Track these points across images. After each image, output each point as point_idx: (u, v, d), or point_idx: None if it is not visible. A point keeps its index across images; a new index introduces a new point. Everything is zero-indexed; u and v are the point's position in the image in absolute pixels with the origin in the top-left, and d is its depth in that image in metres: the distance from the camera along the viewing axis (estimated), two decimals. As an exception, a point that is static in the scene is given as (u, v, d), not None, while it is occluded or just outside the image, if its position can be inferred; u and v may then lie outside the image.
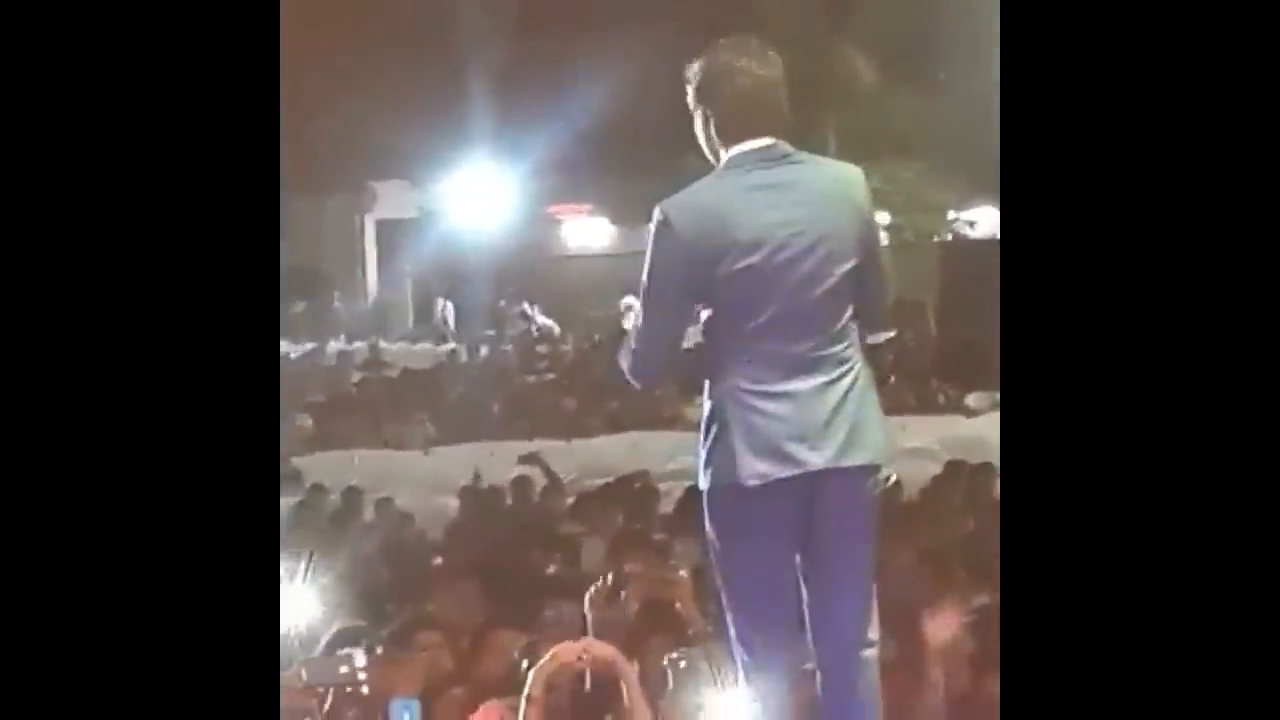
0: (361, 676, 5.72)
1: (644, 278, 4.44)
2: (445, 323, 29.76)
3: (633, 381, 4.64)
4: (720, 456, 4.36)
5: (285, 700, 4.47)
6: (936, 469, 12.02)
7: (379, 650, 6.27)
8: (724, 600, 4.49)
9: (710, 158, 4.55)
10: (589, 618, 6.00)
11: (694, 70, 4.52)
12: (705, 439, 4.41)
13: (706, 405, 4.44)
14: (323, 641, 6.54)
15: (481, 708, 5.47)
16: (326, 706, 5.73)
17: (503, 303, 29.22)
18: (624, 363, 4.59)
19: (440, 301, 30.49)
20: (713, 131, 4.50)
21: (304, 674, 5.00)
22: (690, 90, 4.53)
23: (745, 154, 4.46)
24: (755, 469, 4.32)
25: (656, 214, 4.40)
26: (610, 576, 6.01)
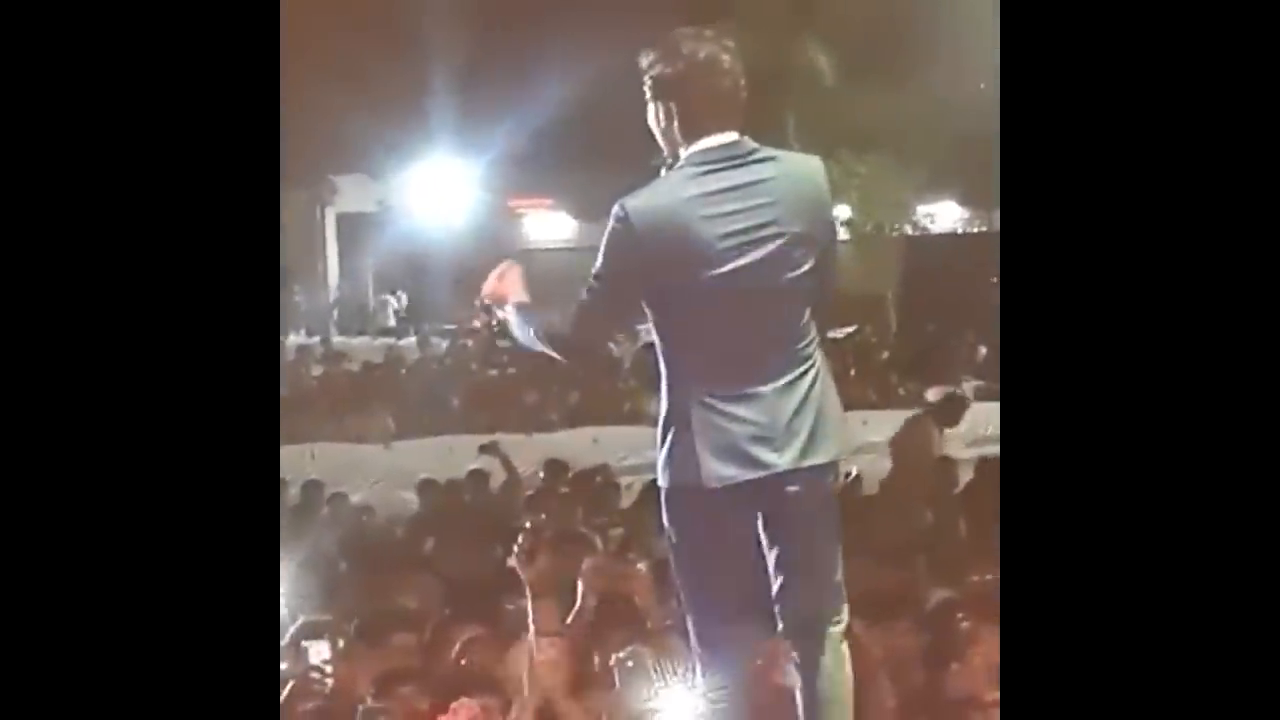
0: (328, 669, 5.71)
1: (597, 269, 4.34)
2: (402, 315, 29.71)
3: (552, 353, 4.55)
4: (681, 458, 4.31)
5: None
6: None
7: (340, 644, 6.27)
8: (683, 597, 4.46)
9: (666, 151, 4.43)
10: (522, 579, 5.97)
11: (653, 59, 4.37)
12: (664, 439, 4.36)
13: (664, 405, 4.38)
14: (288, 633, 6.53)
15: (453, 706, 5.43)
16: (282, 697, 5.72)
17: (478, 303, 29.07)
18: (546, 333, 4.51)
19: (398, 294, 30.45)
20: (674, 125, 4.37)
21: None
22: (649, 81, 4.39)
23: (709, 150, 4.33)
24: (717, 472, 4.28)
25: (617, 210, 4.28)
26: (525, 533, 5.96)
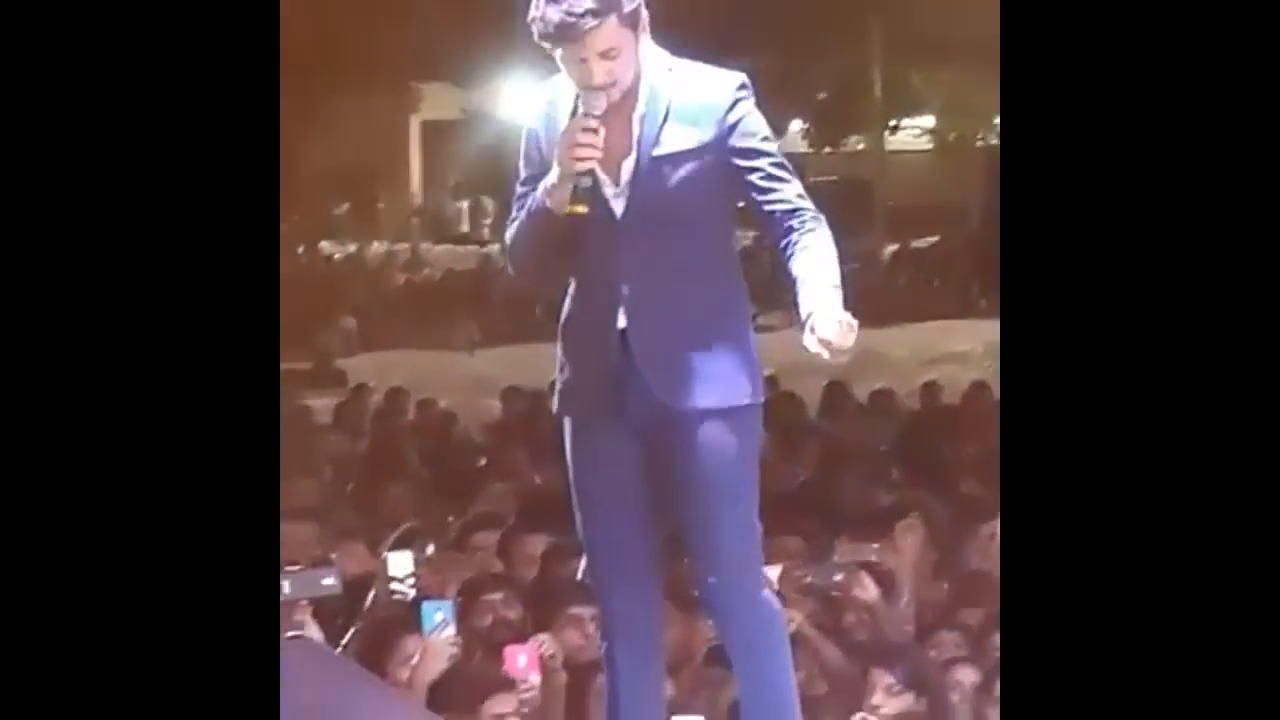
0: (412, 581, 5.77)
1: (770, 143, 4.10)
2: (485, 224, 29.79)
3: None
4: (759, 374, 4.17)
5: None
6: (976, 374, 12.04)
7: (430, 550, 6.35)
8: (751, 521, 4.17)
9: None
10: None
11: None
12: (746, 356, 4.13)
13: (752, 323, 4.20)
14: (390, 540, 6.62)
15: (531, 641, 5.41)
16: (367, 605, 5.83)
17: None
18: None
19: (482, 201, 30.52)
20: None
21: (286, 588, 4.90)
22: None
23: None
24: None
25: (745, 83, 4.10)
26: None
